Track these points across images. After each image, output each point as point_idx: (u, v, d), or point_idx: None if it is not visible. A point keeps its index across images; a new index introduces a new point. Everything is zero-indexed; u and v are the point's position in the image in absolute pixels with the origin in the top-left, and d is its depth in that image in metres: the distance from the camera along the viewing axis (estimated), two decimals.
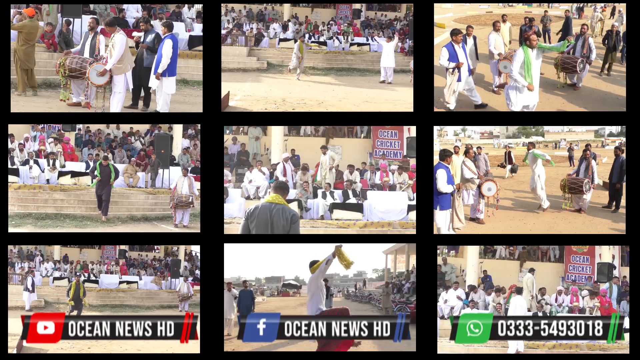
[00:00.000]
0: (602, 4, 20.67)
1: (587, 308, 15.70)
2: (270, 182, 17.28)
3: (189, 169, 17.11)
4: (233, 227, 15.65)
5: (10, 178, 15.29)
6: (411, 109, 15.71)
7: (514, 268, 19.43)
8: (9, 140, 16.43)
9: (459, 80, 13.79)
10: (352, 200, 17.11)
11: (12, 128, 16.51)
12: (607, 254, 17.74)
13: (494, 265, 19.01)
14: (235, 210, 16.55)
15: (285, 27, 23.50)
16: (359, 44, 22.55)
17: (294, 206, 16.03)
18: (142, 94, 14.49)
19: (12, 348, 13.06)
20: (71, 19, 17.10)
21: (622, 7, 19.12)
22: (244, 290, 15.76)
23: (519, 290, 14.55)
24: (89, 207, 15.23)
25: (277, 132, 19.05)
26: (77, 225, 14.84)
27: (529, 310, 15.24)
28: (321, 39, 22.68)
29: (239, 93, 16.78)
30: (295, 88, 18.58)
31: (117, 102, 13.73)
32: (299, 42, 20.36)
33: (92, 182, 15.85)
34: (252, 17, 24.28)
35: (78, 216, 15.31)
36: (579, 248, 18.13)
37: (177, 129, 19.58)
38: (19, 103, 13.55)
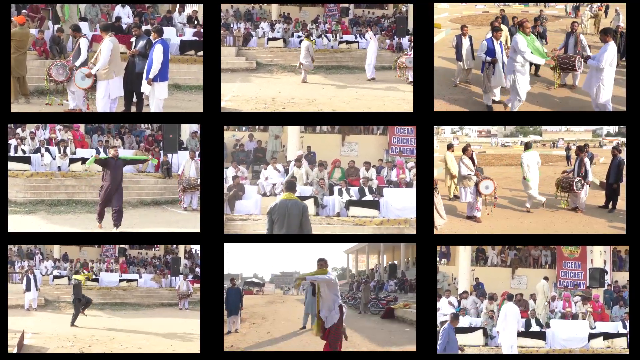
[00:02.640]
0: (598, 3, 20.67)
1: (579, 314, 15.79)
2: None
3: (198, 152, 17.17)
4: (250, 223, 15.86)
5: (22, 166, 15.80)
6: (400, 105, 15.93)
7: (506, 275, 19.52)
8: (19, 129, 17.39)
9: (494, 74, 14.03)
10: (369, 197, 17.00)
11: None
12: (598, 259, 17.80)
13: (485, 272, 19.13)
14: (252, 207, 16.57)
15: (273, 26, 23.46)
16: (348, 42, 22.50)
17: (310, 203, 16.14)
18: (135, 99, 14.42)
19: (12, 347, 13.00)
20: (62, 26, 17.17)
21: (618, 6, 19.11)
22: (231, 288, 15.88)
23: (510, 297, 14.57)
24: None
25: (293, 129, 19.04)
26: (88, 211, 14.95)
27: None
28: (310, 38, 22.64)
29: (228, 93, 16.67)
30: (285, 87, 18.50)
31: (100, 108, 13.69)
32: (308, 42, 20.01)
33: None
34: (240, 17, 24.21)
35: (90, 201, 15.44)
36: (571, 254, 18.16)
37: None
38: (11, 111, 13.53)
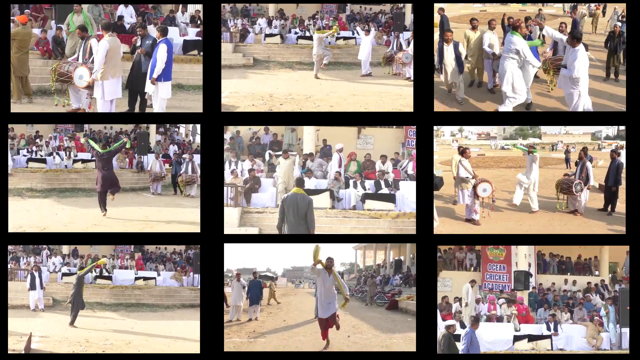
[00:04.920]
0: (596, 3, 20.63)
1: (504, 316, 15.79)
2: (303, 172, 17.65)
3: (161, 154, 21.20)
4: (266, 216, 16.26)
5: (40, 165, 19.80)
6: (397, 101, 15.91)
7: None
8: (38, 139, 21.59)
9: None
10: (385, 190, 17.05)
11: (40, 130, 22.02)
12: (523, 262, 17.69)
13: None
14: (268, 200, 16.96)
15: (270, 22, 23.49)
16: (345, 38, 22.35)
17: (326, 196, 16.60)
18: (139, 99, 14.44)
19: (19, 351, 12.92)
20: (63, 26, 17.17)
21: (617, 6, 19.08)
22: (253, 280, 16.81)
23: None
24: (95, 183, 17.36)
25: None
26: (87, 196, 18.17)
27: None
28: (307, 34, 22.61)
29: (226, 90, 16.63)
30: (282, 83, 18.43)
31: (99, 109, 13.69)
32: (319, 34, 19.80)
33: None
34: (237, 13, 24.20)
35: (87, 189, 18.69)
36: (496, 256, 18.08)
37: (152, 127, 22.81)
38: (14, 110, 13.57)
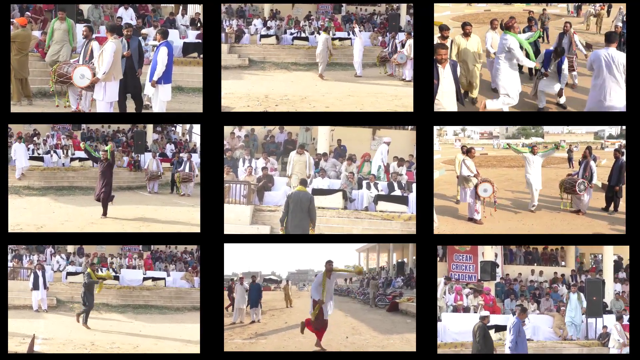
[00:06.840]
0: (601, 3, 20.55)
1: (471, 307, 15.75)
2: (316, 171, 17.64)
3: (157, 153, 21.30)
4: (278, 215, 15.87)
5: (38, 163, 19.62)
6: (392, 102, 15.95)
7: None
8: (36, 137, 21.27)
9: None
10: (397, 192, 16.98)
11: (38, 128, 21.62)
12: (489, 252, 17.63)
13: None
14: (281, 198, 16.70)
15: (266, 23, 23.48)
16: (341, 39, 22.27)
17: (338, 196, 16.68)
18: (134, 102, 14.45)
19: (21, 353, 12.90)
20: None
21: (622, 6, 19.00)
22: (252, 284, 16.83)
23: None
24: (92, 181, 18.40)
25: None
26: (84, 194, 18.28)
27: None
28: (303, 35, 22.58)
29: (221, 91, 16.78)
30: (278, 84, 18.41)
31: (99, 110, 13.69)
32: (326, 35, 19.88)
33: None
34: (232, 14, 24.20)
35: (84, 187, 18.86)
36: (462, 247, 18.02)
37: (149, 126, 23.06)
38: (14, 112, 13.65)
